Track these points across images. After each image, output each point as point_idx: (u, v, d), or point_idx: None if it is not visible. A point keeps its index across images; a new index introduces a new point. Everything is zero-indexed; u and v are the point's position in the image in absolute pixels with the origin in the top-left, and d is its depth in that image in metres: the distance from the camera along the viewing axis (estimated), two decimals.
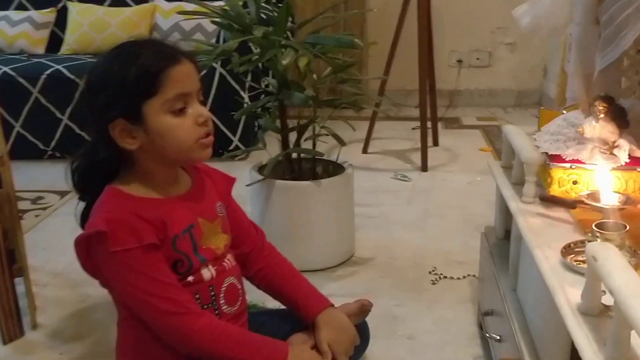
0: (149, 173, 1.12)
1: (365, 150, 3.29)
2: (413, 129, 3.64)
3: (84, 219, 1.14)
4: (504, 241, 1.54)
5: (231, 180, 1.30)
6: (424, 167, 3.00)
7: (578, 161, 1.24)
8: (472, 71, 4.21)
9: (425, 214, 2.51)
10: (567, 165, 1.24)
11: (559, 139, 1.31)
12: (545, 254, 1.07)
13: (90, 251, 1.07)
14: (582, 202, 1.15)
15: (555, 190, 1.24)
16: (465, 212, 2.50)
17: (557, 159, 1.26)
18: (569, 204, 1.18)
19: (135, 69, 1.04)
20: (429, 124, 3.16)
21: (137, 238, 1.04)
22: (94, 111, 1.07)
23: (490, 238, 1.60)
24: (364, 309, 1.30)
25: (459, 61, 4.17)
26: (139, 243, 1.04)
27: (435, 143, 3.38)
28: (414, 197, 2.70)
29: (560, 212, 1.23)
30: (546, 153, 1.29)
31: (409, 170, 3.01)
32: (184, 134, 1.08)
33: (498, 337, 1.34)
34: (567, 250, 1.06)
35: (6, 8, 3.71)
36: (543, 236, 1.14)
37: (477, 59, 4.19)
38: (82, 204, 1.16)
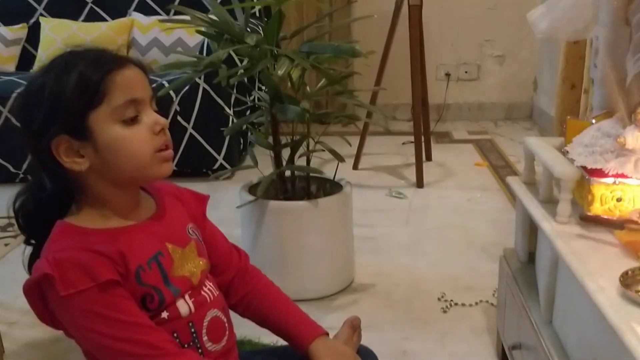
0: (104, 199, 0.97)
1: (355, 167, 3.14)
2: (403, 143, 3.51)
3: (32, 264, 0.97)
4: (527, 265, 1.40)
5: (203, 199, 1.14)
6: (420, 184, 2.86)
7: (622, 175, 1.10)
8: (460, 84, 4.11)
9: (425, 234, 2.37)
10: (610, 180, 1.10)
11: (595, 150, 1.17)
12: (599, 284, 0.92)
13: (46, 298, 0.92)
14: (633, 221, 1.01)
15: (596, 209, 1.10)
16: (467, 231, 2.36)
17: (598, 173, 1.12)
18: (617, 224, 1.04)
19: (75, 77, 0.90)
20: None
21: (91, 277, 0.89)
22: (32, 133, 0.93)
23: (511, 262, 1.45)
24: (353, 325, 1.15)
25: (447, 75, 4.07)
26: (94, 282, 0.89)
27: (428, 158, 3.24)
28: (412, 216, 2.56)
29: (600, 234, 1.09)
30: (583, 167, 1.15)
31: (404, 187, 2.87)
32: (138, 146, 0.93)
33: None
34: (625, 279, 0.91)
35: None
36: (590, 262, 1.00)
37: (466, 72, 4.09)
38: (29, 249, 1.00)
